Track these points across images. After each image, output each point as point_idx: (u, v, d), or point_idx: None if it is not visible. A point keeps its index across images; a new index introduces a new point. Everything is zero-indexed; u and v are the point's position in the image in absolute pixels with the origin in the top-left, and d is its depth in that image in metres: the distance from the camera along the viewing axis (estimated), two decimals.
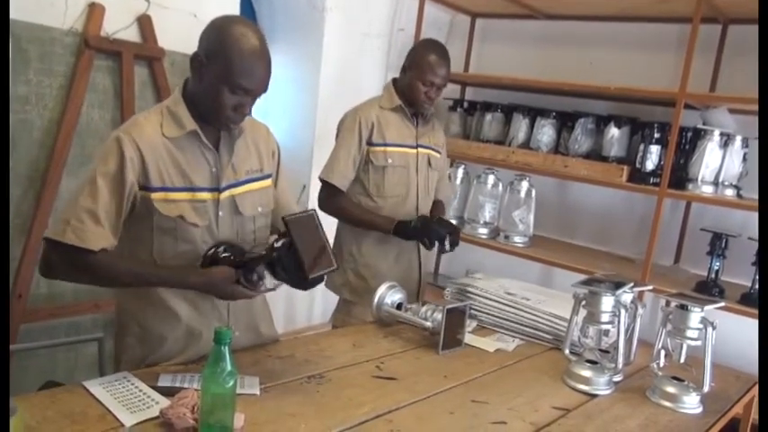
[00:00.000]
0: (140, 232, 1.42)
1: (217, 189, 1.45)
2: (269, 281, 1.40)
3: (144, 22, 2.36)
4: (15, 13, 2.03)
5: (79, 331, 2.27)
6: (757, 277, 2.40)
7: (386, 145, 2.15)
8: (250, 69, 1.35)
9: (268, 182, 1.58)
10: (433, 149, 2.26)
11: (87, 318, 2.30)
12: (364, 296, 2.18)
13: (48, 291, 2.23)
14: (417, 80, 2.11)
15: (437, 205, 2.35)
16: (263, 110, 3.37)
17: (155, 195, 1.38)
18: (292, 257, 1.31)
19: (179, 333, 1.48)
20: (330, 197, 2.15)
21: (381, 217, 2.11)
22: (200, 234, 1.44)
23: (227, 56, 1.34)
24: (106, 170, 1.34)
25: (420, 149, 2.22)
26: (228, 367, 1.09)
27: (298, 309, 3.21)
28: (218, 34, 1.37)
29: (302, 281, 1.35)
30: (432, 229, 2.06)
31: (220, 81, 1.35)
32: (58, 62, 2.17)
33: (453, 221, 2.45)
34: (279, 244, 1.33)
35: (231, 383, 1.10)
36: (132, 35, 2.36)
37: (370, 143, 2.13)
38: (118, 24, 2.30)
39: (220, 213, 1.46)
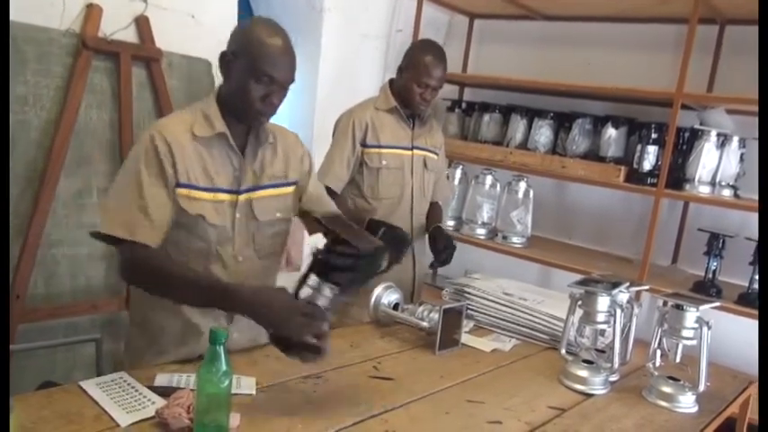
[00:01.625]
0: None
1: (236, 191, 1.48)
2: (326, 291, 1.28)
3: (142, 23, 2.36)
4: (12, 13, 2.02)
5: (77, 331, 2.27)
6: (755, 277, 2.40)
7: (380, 147, 2.14)
8: (273, 57, 1.38)
9: (290, 189, 1.60)
10: (429, 151, 2.26)
11: (85, 318, 2.30)
12: (361, 297, 2.18)
13: (45, 291, 2.23)
14: (412, 82, 2.10)
15: (434, 209, 2.33)
16: None
17: (179, 191, 1.41)
18: (343, 250, 1.26)
19: (178, 326, 1.50)
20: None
21: (361, 219, 2.10)
22: (216, 234, 1.46)
23: (250, 47, 1.39)
24: (148, 167, 1.38)
25: (415, 151, 2.21)
26: (224, 367, 1.09)
27: None
28: (243, 31, 1.44)
29: (365, 265, 1.29)
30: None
31: (246, 72, 1.39)
32: (55, 63, 2.17)
33: (449, 224, 2.48)
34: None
35: (226, 383, 1.10)
36: (130, 36, 2.36)
37: (364, 144, 2.13)
38: (115, 25, 2.30)
39: (237, 215, 1.48)
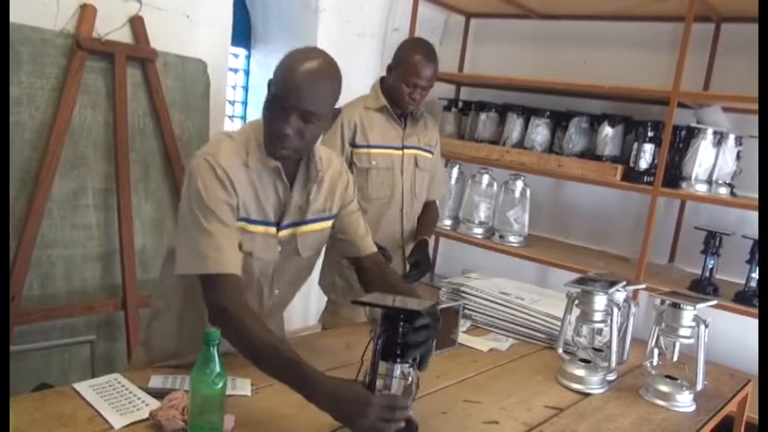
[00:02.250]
0: None
1: (277, 225, 1.43)
2: (402, 372, 1.19)
3: (136, 24, 2.36)
4: None
5: (73, 333, 2.26)
6: (752, 275, 2.40)
7: (369, 147, 2.11)
8: (297, 86, 1.28)
9: (330, 222, 1.55)
10: (422, 149, 2.23)
11: (81, 319, 2.29)
12: (348, 296, 2.17)
13: (41, 292, 2.22)
14: (401, 81, 2.05)
15: (427, 215, 2.29)
16: (256, 111, 3.37)
17: (238, 224, 1.36)
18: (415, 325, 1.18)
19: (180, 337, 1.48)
20: None
21: None
22: (260, 268, 1.43)
23: (280, 76, 1.32)
24: (213, 196, 1.30)
25: (406, 150, 2.17)
26: (218, 369, 1.09)
27: (294, 310, 3.19)
28: (282, 60, 1.35)
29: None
30: None
31: (273, 101, 1.32)
32: (49, 64, 2.16)
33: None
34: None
35: (221, 385, 1.09)
36: (125, 36, 2.35)
37: (353, 144, 2.10)
38: (110, 26, 2.29)
39: (279, 248, 1.44)
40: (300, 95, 1.29)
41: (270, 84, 1.35)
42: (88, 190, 2.32)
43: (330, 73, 1.35)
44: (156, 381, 1.36)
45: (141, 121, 2.43)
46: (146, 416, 1.20)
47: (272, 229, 1.42)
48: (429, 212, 2.32)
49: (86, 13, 2.20)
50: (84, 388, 1.30)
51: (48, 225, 2.19)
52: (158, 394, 1.27)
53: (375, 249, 1.62)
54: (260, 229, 1.39)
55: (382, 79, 2.18)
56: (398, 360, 1.20)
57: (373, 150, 2.11)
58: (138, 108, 2.41)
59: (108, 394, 1.28)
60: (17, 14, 2.04)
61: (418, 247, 2.15)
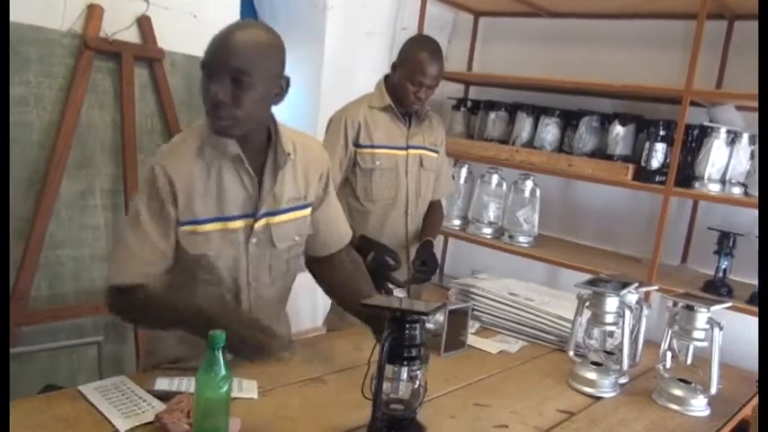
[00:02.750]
0: None
1: (252, 216, 1.40)
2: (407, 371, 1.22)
3: (143, 23, 2.35)
4: (14, 15, 2.00)
5: (81, 333, 2.25)
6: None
7: (373, 147, 2.07)
8: (222, 46, 1.25)
9: (308, 211, 1.51)
10: (427, 149, 2.19)
11: (89, 320, 2.29)
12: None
13: (49, 293, 2.22)
14: (406, 80, 2.01)
15: (432, 215, 2.25)
16: None
17: (181, 230, 1.35)
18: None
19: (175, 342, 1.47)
20: None
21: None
22: (225, 265, 1.40)
23: (207, 46, 1.29)
24: (148, 204, 1.33)
25: (410, 151, 2.14)
26: (222, 372, 1.07)
27: (302, 311, 3.19)
28: None
29: None
30: (380, 271, 1.89)
31: (203, 73, 1.28)
32: (57, 64, 2.15)
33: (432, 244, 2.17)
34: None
35: (225, 388, 1.08)
36: (132, 36, 2.34)
37: (357, 144, 2.06)
38: (117, 25, 2.28)
39: (252, 240, 1.41)
40: (227, 55, 1.24)
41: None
42: (96, 190, 2.31)
43: (260, 34, 1.30)
44: (161, 383, 1.34)
45: (149, 121, 2.42)
46: (151, 419, 1.19)
47: (235, 223, 1.38)
48: (434, 213, 2.28)
49: (94, 13, 2.20)
50: (90, 390, 1.29)
51: (55, 225, 2.19)
52: (164, 396, 1.26)
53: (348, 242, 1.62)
54: (214, 226, 1.36)
55: (387, 77, 2.14)
56: (405, 363, 1.18)
57: (377, 150, 2.08)
58: (146, 108, 2.40)
59: (113, 397, 1.27)
60: (24, 15, 2.04)
61: (424, 248, 2.10)
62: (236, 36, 1.26)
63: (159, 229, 1.34)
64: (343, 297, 1.59)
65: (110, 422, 1.18)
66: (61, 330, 2.23)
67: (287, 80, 1.37)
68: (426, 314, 1.19)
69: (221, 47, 1.26)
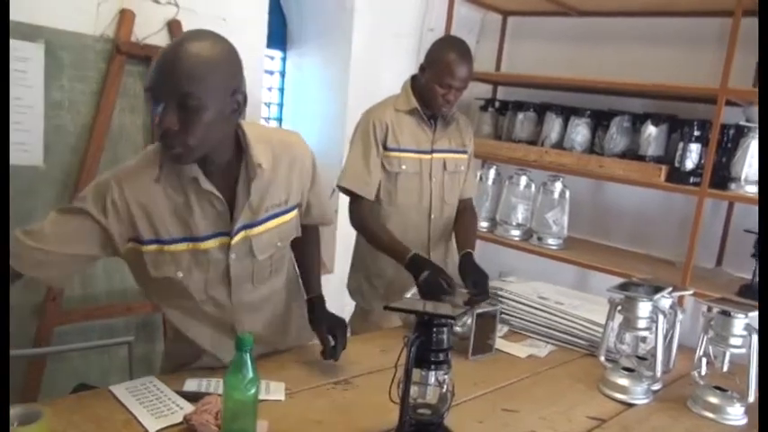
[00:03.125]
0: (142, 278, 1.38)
1: (228, 234, 1.33)
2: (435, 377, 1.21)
3: (173, 27, 2.37)
4: (48, 20, 2.06)
5: (113, 333, 2.29)
6: None
7: (400, 150, 2.04)
8: (161, 71, 1.15)
9: (292, 214, 1.46)
10: (453, 152, 2.14)
11: (120, 320, 2.33)
12: (373, 303, 2.14)
13: (82, 293, 2.26)
14: (434, 82, 1.96)
15: (464, 222, 2.17)
16: (292, 112, 3.38)
17: (146, 248, 1.29)
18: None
19: (202, 360, 1.47)
20: (352, 205, 2.06)
21: (398, 247, 1.95)
22: (198, 285, 1.35)
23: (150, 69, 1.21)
24: (87, 209, 1.25)
25: (435, 155, 2.09)
26: (250, 374, 1.07)
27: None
28: None
29: None
30: (432, 292, 1.76)
31: (148, 100, 1.21)
32: (90, 68, 2.19)
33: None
34: None
35: (253, 390, 1.08)
36: (162, 40, 2.37)
37: (385, 147, 2.03)
38: (148, 30, 2.32)
39: (232, 256, 1.35)
40: (170, 77, 1.13)
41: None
42: None
43: (205, 48, 1.17)
44: (190, 384, 1.36)
45: None
46: (180, 420, 1.20)
47: (206, 244, 1.31)
48: (467, 218, 2.21)
49: (125, 18, 2.23)
50: (121, 390, 1.31)
51: None
52: (193, 398, 1.27)
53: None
54: (183, 246, 1.30)
55: (414, 78, 2.09)
56: (433, 367, 1.17)
57: (403, 154, 2.05)
58: None
59: (143, 397, 1.28)
60: (59, 20, 2.09)
61: (467, 263, 1.98)
62: (179, 55, 1.15)
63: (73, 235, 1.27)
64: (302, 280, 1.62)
65: (139, 422, 1.19)
66: (93, 330, 2.27)
67: (243, 95, 1.26)
68: (453, 318, 1.18)
69: (164, 69, 1.15)
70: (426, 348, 1.16)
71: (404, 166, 2.05)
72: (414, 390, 1.18)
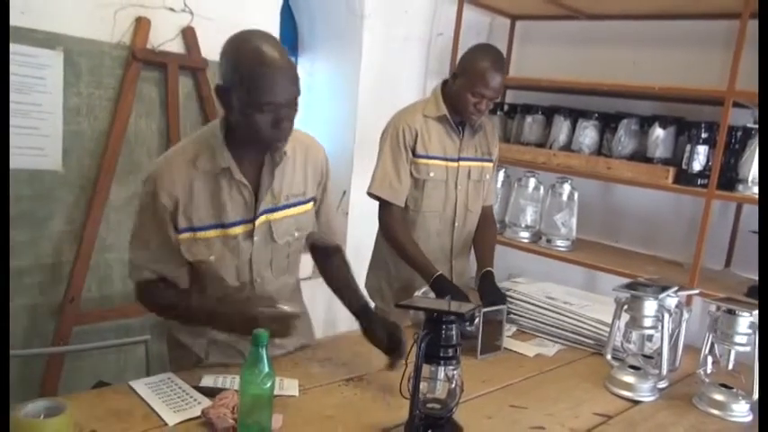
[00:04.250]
0: None
1: (252, 220, 1.43)
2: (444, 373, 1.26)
3: (188, 34, 2.43)
4: (67, 28, 2.12)
5: (129, 333, 2.34)
6: None
7: (428, 157, 2.03)
8: (270, 84, 1.26)
9: (309, 206, 1.55)
10: (479, 160, 2.13)
11: (136, 320, 2.38)
12: (391, 305, 2.14)
13: (99, 294, 2.31)
14: (466, 90, 1.93)
15: (485, 237, 2.16)
16: (304, 117, 3.43)
17: (181, 237, 1.40)
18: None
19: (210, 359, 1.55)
20: (381, 211, 2.05)
21: (425, 264, 1.96)
22: (229, 269, 1.46)
23: (242, 79, 1.27)
24: (146, 213, 1.41)
25: (461, 163, 2.08)
26: (266, 369, 1.11)
27: (339, 313, 3.23)
28: (228, 60, 1.32)
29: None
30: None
31: (246, 106, 1.29)
32: (107, 74, 2.25)
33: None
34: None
35: (269, 385, 1.12)
36: (177, 47, 2.43)
37: (414, 153, 2.02)
38: (163, 37, 2.37)
39: (255, 238, 1.44)
40: (283, 90, 1.28)
41: (226, 88, 1.30)
42: None
43: (281, 54, 1.31)
44: (207, 380, 1.40)
45: (193, 129, 2.49)
46: (198, 414, 1.24)
47: (235, 229, 1.42)
48: (488, 232, 2.20)
49: (141, 26, 2.29)
50: (140, 385, 1.35)
51: (105, 229, 2.28)
52: (209, 393, 1.31)
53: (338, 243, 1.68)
54: (215, 233, 1.41)
55: (444, 84, 2.07)
56: (442, 363, 1.20)
57: (431, 161, 2.03)
58: (190, 116, 2.49)
59: (162, 392, 1.33)
60: (76, 28, 2.14)
61: (487, 283, 1.96)
62: (278, 64, 1.28)
63: (160, 234, 1.41)
64: (342, 299, 1.68)
65: (158, 416, 1.24)
66: (109, 331, 2.32)
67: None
68: (462, 315, 1.21)
69: (282, 82, 1.28)
70: (435, 344, 1.20)
71: (431, 174, 2.04)
72: (423, 385, 1.21)
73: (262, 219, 1.44)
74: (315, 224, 1.61)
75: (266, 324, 1.23)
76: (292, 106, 1.33)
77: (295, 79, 1.32)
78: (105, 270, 2.32)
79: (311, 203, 1.56)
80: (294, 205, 1.50)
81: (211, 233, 1.41)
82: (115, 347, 2.24)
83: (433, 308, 1.23)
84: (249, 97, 1.28)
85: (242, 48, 1.31)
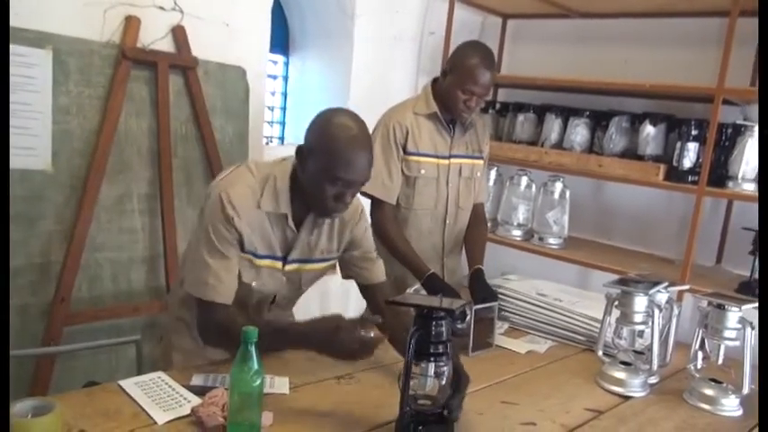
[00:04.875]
0: None
1: (284, 259, 1.52)
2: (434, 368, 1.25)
3: (178, 33, 2.42)
4: (56, 27, 2.11)
5: (120, 333, 2.32)
6: None
7: (419, 154, 2.03)
8: (348, 161, 1.36)
9: (332, 262, 1.64)
10: (470, 157, 2.14)
11: (127, 321, 2.36)
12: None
13: (89, 294, 2.30)
14: (457, 87, 1.93)
15: (476, 234, 2.17)
16: (294, 116, 3.42)
17: (242, 256, 1.46)
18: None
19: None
20: (373, 209, 2.03)
21: (417, 262, 1.98)
22: (259, 297, 1.53)
23: (325, 150, 1.37)
24: (219, 231, 1.41)
25: (452, 160, 2.09)
26: (255, 366, 1.11)
27: (332, 304, 3.22)
28: (319, 127, 1.41)
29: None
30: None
31: (321, 174, 1.37)
32: (96, 73, 2.24)
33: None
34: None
35: (258, 382, 1.12)
36: (167, 46, 2.42)
37: (405, 151, 2.02)
38: (153, 35, 2.36)
39: (283, 279, 1.54)
40: (360, 170, 1.38)
41: (309, 150, 1.39)
42: (133, 195, 2.39)
43: (366, 138, 1.42)
44: (197, 379, 1.39)
45: (183, 128, 2.49)
46: (187, 412, 1.23)
47: (278, 263, 1.50)
48: (478, 230, 2.20)
49: (131, 25, 2.28)
50: (130, 385, 1.34)
51: (95, 229, 2.27)
52: (200, 392, 1.31)
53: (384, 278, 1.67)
54: (266, 262, 1.48)
55: (434, 82, 2.07)
56: (432, 359, 1.20)
57: (423, 158, 2.03)
58: (181, 115, 2.48)
59: (152, 391, 1.32)
60: (66, 26, 2.13)
61: (478, 281, 1.98)
62: (365, 150, 1.39)
63: (233, 254, 1.44)
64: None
65: (148, 415, 1.23)
66: (101, 331, 2.31)
67: None
68: (451, 311, 1.21)
69: (359, 164, 1.38)
70: (425, 341, 1.20)
71: (422, 171, 2.04)
72: (414, 382, 1.21)
73: (293, 266, 1.53)
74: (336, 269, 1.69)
75: (351, 347, 1.30)
76: (359, 186, 1.43)
77: (371, 165, 1.42)
78: (96, 270, 2.31)
79: (334, 261, 1.64)
80: (325, 260, 1.59)
81: (263, 262, 1.48)
82: (106, 348, 2.23)
83: (423, 304, 1.23)
84: (326, 166, 1.36)
85: (335, 120, 1.40)
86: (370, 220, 2.07)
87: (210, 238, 1.42)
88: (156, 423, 1.20)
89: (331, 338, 1.32)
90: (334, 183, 1.37)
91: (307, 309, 1.76)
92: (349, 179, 1.38)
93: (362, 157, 1.38)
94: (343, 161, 1.35)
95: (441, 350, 1.22)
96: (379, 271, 1.66)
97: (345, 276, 1.67)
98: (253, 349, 1.12)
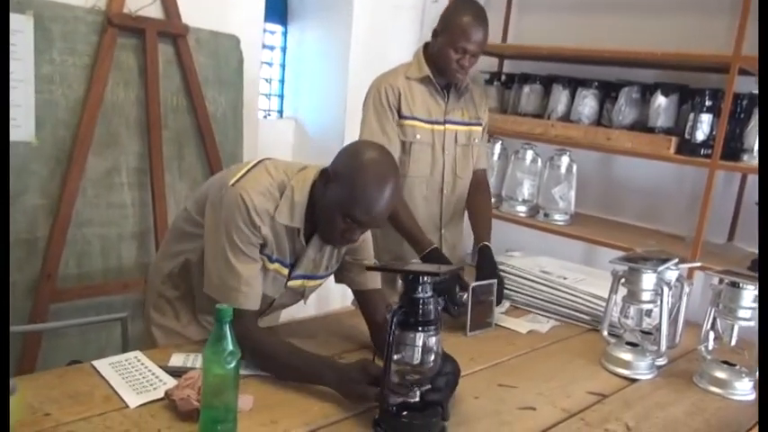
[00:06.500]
0: None
1: (291, 267, 1.46)
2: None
3: None
4: None
5: (111, 311, 2.25)
6: None
7: (414, 119, 1.95)
8: (368, 206, 1.30)
9: (331, 276, 1.60)
10: (467, 124, 2.06)
11: (117, 298, 2.30)
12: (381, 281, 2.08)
13: (77, 270, 2.24)
14: (448, 46, 1.87)
15: (480, 196, 2.10)
16: (293, 87, 3.32)
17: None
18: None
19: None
20: None
21: (419, 235, 1.89)
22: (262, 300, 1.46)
23: (350, 185, 1.30)
24: (244, 234, 1.35)
25: (448, 126, 2.01)
26: (230, 347, 1.03)
27: (331, 293, 3.15)
28: (350, 157, 1.35)
29: None
30: (447, 292, 1.65)
31: (337, 205, 1.32)
32: (81, 41, 2.15)
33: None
34: None
35: (233, 364, 1.04)
36: (156, 12, 2.32)
37: (399, 114, 1.94)
38: (141, 1, 2.26)
39: (283, 288, 1.49)
40: (374, 217, 1.32)
41: (335, 176, 1.33)
42: (122, 169, 2.31)
43: (391, 181, 1.33)
44: (176, 359, 1.32)
45: (174, 99, 2.40)
46: (162, 395, 1.16)
47: (285, 270, 1.45)
48: (482, 199, 2.12)
49: None
50: (104, 365, 1.28)
51: (82, 203, 2.20)
52: (177, 373, 1.24)
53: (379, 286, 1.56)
54: (275, 266, 1.43)
55: (426, 46, 2.00)
56: (420, 329, 1.12)
57: (417, 123, 1.96)
58: (171, 85, 2.39)
59: (127, 372, 1.25)
60: None
61: (485, 259, 1.88)
62: (390, 193, 1.31)
63: (258, 257, 1.39)
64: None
65: (120, 397, 1.16)
66: (89, 308, 2.25)
67: None
68: (437, 275, 1.13)
69: (377, 209, 1.31)
70: (412, 310, 1.12)
71: (418, 136, 1.97)
72: (401, 355, 1.13)
73: (298, 282, 1.49)
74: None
75: (362, 385, 1.21)
76: (368, 229, 1.41)
77: (389, 212, 1.37)
78: (83, 245, 2.24)
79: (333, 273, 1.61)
80: (326, 276, 1.56)
81: (274, 265, 1.43)
82: (95, 326, 2.17)
83: (408, 269, 1.15)
84: (345, 202, 1.31)
85: (368, 156, 1.34)
86: None
87: (234, 240, 1.34)
88: (127, 407, 1.13)
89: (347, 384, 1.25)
90: (346, 219, 1.32)
91: (302, 306, 1.69)
92: (362, 221, 1.32)
93: (383, 203, 1.31)
94: (364, 204, 1.30)
95: (430, 318, 1.13)
96: (373, 277, 1.57)
97: (338, 281, 1.59)
98: (227, 329, 1.03)
